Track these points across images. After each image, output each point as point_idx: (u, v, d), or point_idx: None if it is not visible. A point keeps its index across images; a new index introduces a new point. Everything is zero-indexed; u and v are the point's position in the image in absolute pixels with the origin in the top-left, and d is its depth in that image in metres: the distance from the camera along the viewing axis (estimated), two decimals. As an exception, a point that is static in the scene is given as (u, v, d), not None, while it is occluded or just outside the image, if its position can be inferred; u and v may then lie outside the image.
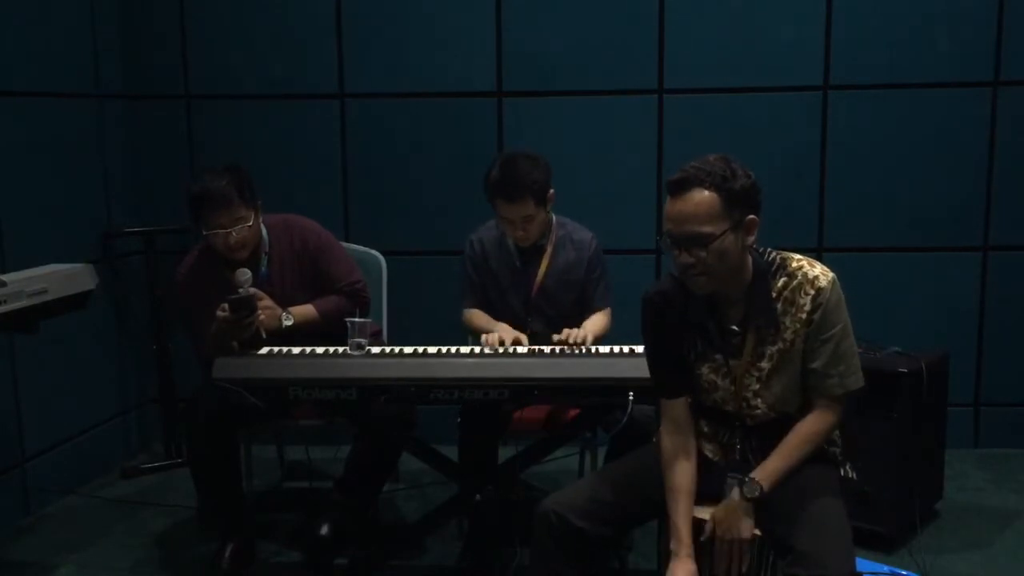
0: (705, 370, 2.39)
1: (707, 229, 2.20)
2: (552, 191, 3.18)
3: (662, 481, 2.38)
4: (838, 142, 4.20)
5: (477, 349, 2.94)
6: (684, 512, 2.33)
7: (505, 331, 3.07)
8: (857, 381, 2.34)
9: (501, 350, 2.92)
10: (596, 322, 3.20)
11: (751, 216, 2.25)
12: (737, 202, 2.21)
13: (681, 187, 2.22)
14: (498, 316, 3.28)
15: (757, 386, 2.34)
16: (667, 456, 2.38)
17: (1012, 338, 4.27)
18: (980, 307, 4.27)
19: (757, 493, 2.26)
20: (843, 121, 4.18)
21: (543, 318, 3.27)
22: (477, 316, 3.30)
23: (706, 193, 2.19)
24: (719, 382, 2.38)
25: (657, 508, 2.43)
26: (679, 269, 2.29)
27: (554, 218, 3.30)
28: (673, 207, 2.23)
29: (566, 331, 3.00)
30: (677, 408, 2.42)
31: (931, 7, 4.09)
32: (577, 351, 2.91)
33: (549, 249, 3.27)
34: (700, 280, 2.27)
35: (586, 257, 3.27)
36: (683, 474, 2.36)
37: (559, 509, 2.36)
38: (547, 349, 2.94)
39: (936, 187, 4.20)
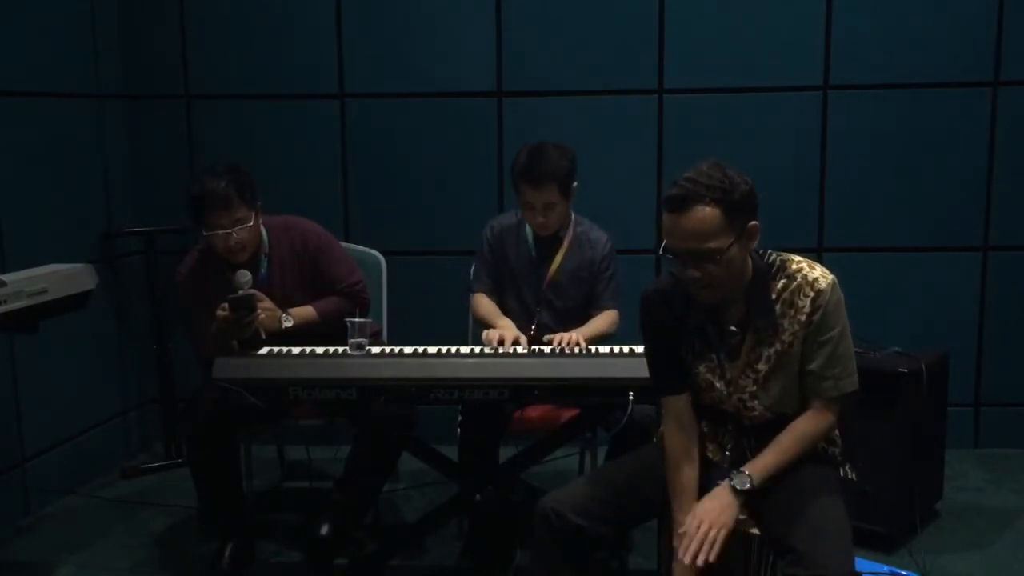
0: (702, 369, 2.39)
1: (714, 244, 2.17)
2: (576, 184, 3.20)
3: (662, 481, 2.38)
4: (838, 142, 4.20)
5: (477, 349, 2.94)
6: (689, 507, 2.32)
7: (507, 329, 3.07)
8: (852, 384, 2.33)
9: (500, 349, 2.92)
10: (595, 324, 3.21)
11: (753, 222, 2.24)
12: (738, 212, 2.19)
13: (681, 204, 2.17)
14: (508, 304, 3.32)
15: (754, 387, 2.34)
16: (671, 456, 2.38)
17: (1012, 338, 4.27)
18: (980, 307, 4.27)
19: (747, 485, 2.25)
20: (843, 121, 4.18)
21: (552, 310, 3.29)
22: (483, 304, 3.32)
23: (708, 209, 2.16)
24: (715, 382, 2.38)
25: (657, 508, 2.43)
26: (686, 283, 2.28)
27: (573, 215, 3.32)
28: (675, 224, 2.19)
29: (557, 336, 3.01)
30: (679, 405, 2.41)
31: (931, 7, 4.09)
32: (577, 351, 2.92)
33: (565, 244, 3.29)
34: (707, 292, 2.26)
35: (599, 255, 3.29)
36: (687, 475, 2.36)
37: (558, 507, 2.36)
38: (547, 349, 2.94)
39: (936, 187, 4.20)
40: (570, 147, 3.22)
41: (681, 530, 2.27)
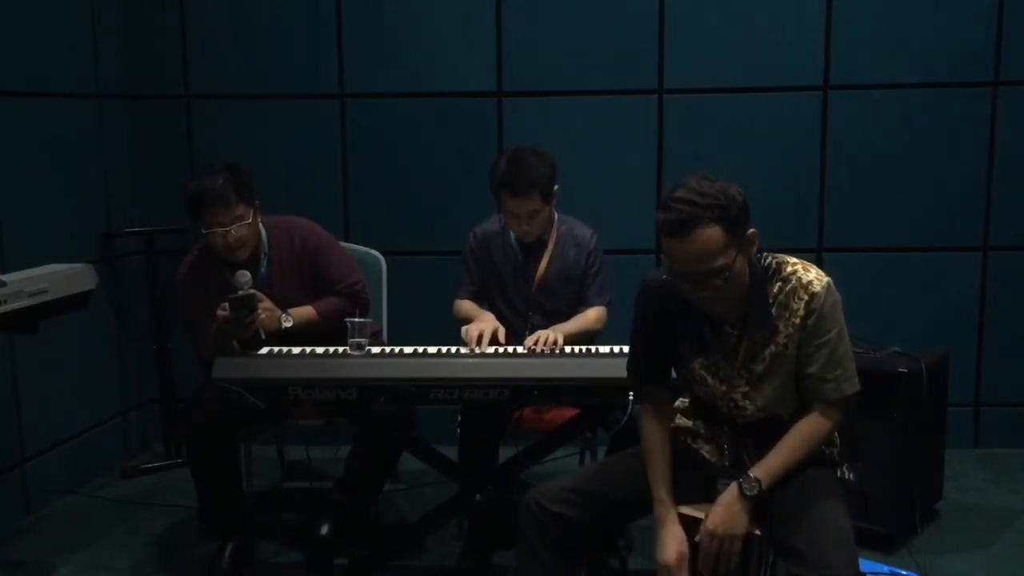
0: (697, 365, 2.39)
1: (720, 263, 2.17)
2: (557, 187, 3.20)
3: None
4: (838, 142, 4.20)
5: (478, 349, 2.94)
6: (662, 475, 2.36)
7: (487, 322, 3.07)
8: (853, 385, 2.33)
9: (479, 349, 2.92)
10: (577, 321, 3.20)
11: (751, 231, 2.24)
12: (737, 224, 2.18)
13: (682, 228, 2.14)
14: (498, 309, 3.32)
15: (747, 388, 2.34)
16: (645, 428, 2.43)
17: (1012, 338, 4.27)
18: (980, 307, 4.27)
19: (756, 491, 2.26)
20: (843, 121, 4.18)
21: (543, 313, 3.29)
22: (465, 305, 3.34)
23: (709, 230, 2.14)
24: (709, 379, 2.38)
25: (646, 503, 2.42)
26: (694, 300, 2.27)
27: (556, 215, 3.31)
28: (680, 249, 2.17)
29: (533, 336, 3.00)
30: (655, 391, 2.46)
31: (931, 7, 4.09)
32: (577, 351, 2.92)
33: (550, 245, 3.29)
34: (715, 305, 2.26)
35: (585, 252, 3.28)
36: (658, 439, 2.40)
37: (539, 498, 2.38)
38: (547, 349, 2.93)
39: (936, 187, 4.20)
40: (548, 152, 3.19)
41: (696, 538, 2.28)
